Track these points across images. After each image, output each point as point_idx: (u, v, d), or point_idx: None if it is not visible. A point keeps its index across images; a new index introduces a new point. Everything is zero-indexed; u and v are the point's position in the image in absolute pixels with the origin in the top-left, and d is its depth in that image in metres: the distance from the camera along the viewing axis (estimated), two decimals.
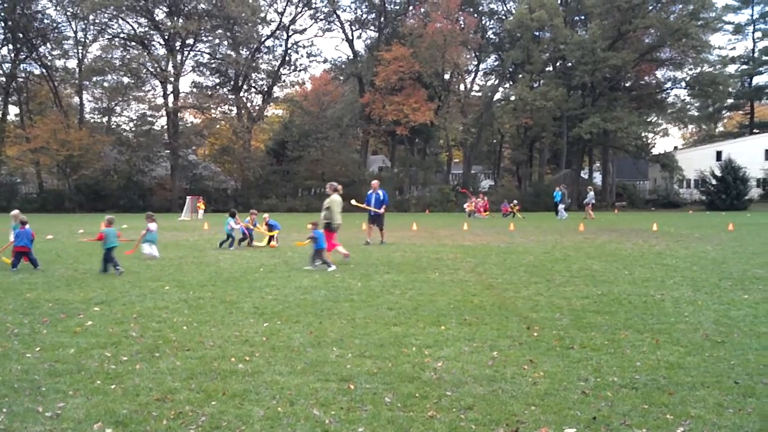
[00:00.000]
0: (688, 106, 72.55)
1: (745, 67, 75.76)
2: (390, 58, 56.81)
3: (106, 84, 63.79)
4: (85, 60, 61.96)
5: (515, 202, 43.94)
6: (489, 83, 72.88)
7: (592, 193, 39.10)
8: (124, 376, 5.88)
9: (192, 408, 5.03)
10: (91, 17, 59.34)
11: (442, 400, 5.20)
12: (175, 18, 60.03)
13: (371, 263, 14.66)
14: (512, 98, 64.08)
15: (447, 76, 64.24)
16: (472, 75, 73.18)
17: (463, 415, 4.84)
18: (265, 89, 69.04)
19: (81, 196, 58.39)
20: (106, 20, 61.32)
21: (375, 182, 20.39)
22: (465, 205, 45.39)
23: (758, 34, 76.47)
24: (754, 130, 76.64)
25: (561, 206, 37.99)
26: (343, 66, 69.90)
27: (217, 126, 68.07)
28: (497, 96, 69.42)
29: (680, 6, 56.57)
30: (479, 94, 72.90)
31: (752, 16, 75.75)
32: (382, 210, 19.83)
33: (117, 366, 6.20)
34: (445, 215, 48.28)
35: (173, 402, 5.17)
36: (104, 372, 6.00)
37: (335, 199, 15.05)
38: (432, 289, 10.89)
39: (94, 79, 62.68)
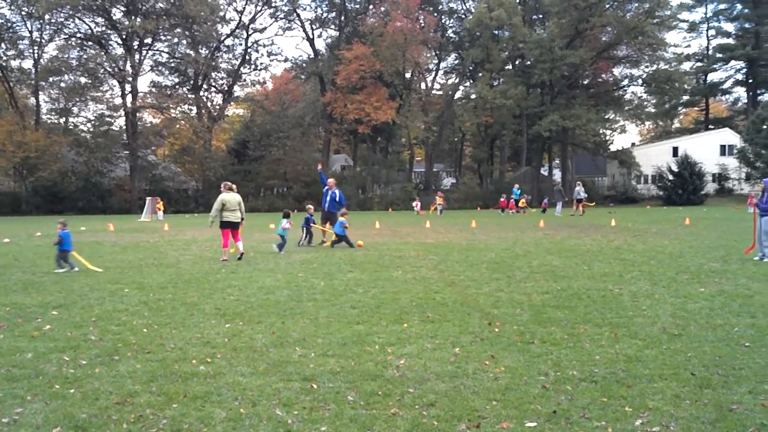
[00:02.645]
0: (645, 103, 73.86)
1: (699, 64, 77.39)
2: (351, 57, 56.91)
3: (63, 84, 62.93)
4: (41, 60, 60.95)
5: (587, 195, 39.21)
6: (449, 82, 73.45)
7: (578, 188, 38.45)
8: (83, 380, 5.79)
9: (153, 411, 4.97)
10: (46, 17, 58.28)
11: (405, 397, 5.21)
12: (133, 17, 59.26)
13: (334, 262, 14.64)
14: (473, 96, 64.59)
15: (408, 75, 64.60)
16: (433, 74, 73.94)
17: (425, 412, 4.86)
18: (226, 88, 68.66)
19: (38, 199, 57.30)
20: (62, 20, 60.39)
21: (331, 180, 20.38)
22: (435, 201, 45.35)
23: (712, 32, 78.34)
24: (710, 126, 78.34)
25: (560, 204, 38.52)
26: (304, 65, 69.83)
27: (177, 126, 67.24)
28: (458, 94, 69.99)
29: (636, 4, 57.65)
30: (440, 92, 73.40)
31: (706, 14, 77.44)
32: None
33: (76, 370, 6.10)
34: (408, 213, 48.30)
35: (133, 405, 5.11)
36: (63, 376, 5.90)
37: (220, 198, 15.30)
38: (395, 287, 10.91)
39: (51, 79, 61.78)
